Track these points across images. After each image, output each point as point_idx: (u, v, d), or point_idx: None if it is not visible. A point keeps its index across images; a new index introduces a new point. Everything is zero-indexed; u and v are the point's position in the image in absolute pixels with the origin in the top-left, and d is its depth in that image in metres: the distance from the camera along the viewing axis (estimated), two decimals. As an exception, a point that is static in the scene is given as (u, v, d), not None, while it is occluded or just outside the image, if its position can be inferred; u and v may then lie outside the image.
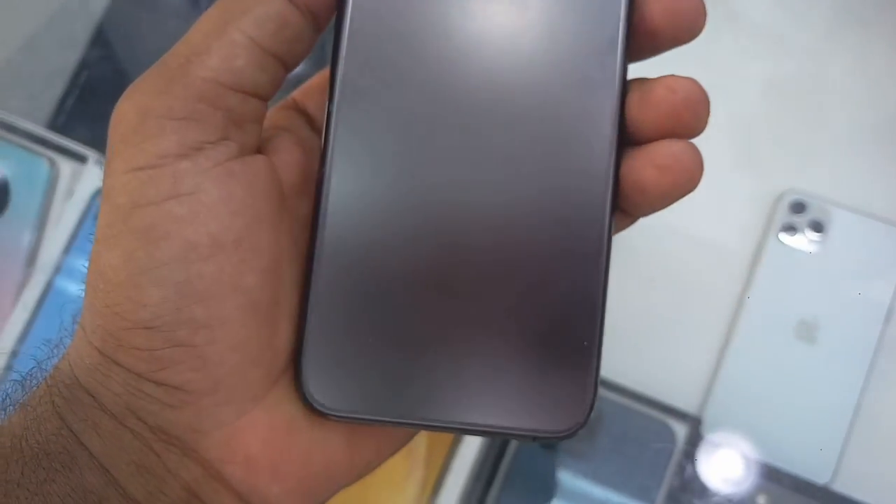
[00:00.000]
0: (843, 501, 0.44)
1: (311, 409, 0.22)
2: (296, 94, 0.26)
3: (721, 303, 0.48)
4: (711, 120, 0.22)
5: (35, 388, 0.22)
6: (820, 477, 0.44)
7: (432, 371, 0.22)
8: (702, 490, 0.44)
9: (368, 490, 0.44)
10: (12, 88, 0.58)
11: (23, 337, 0.49)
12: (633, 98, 0.22)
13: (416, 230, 0.22)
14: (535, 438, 0.22)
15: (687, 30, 0.22)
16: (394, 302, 0.22)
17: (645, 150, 0.22)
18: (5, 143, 0.52)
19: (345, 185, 0.22)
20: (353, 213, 0.22)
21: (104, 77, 0.58)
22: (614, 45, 0.22)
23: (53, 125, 0.56)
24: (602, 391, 0.42)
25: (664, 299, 0.48)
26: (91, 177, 0.51)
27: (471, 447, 0.45)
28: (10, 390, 0.23)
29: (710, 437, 0.45)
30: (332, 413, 0.22)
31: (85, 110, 0.57)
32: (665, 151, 0.22)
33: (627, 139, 0.23)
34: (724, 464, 0.45)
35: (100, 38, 0.59)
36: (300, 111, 0.26)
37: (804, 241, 0.47)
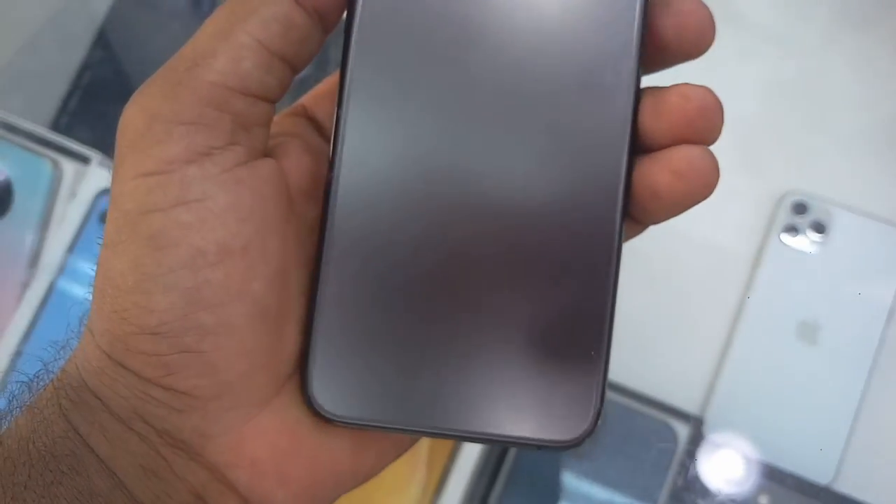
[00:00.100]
0: (845, 502, 0.44)
1: (317, 415, 0.22)
2: (304, 100, 0.26)
3: (723, 303, 0.48)
4: (713, 120, 0.22)
5: (42, 390, 0.22)
6: (822, 477, 0.44)
7: (438, 378, 0.22)
8: (704, 490, 0.44)
9: (371, 492, 0.44)
10: (15, 89, 0.58)
11: (26, 338, 0.49)
12: (647, 106, 0.22)
13: (423, 237, 0.22)
14: (539, 447, 0.22)
15: (695, 46, 0.22)
16: (400, 309, 0.22)
17: (660, 155, 0.22)
18: (8, 143, 0.52)
19: (352, 191, 0.22)
20: (360, 219, 0.22)
21: (107, 78, 0.58)
22: (628, 51, 0.22)
23: (56, 126, 0.56)
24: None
25: (666, 300, 0.48)
26: (94, 178, 0.51)
27: (473, 448, 0.45)
28: (16, 392, 0.23)
29: (712, 437, 0.45)
30: (338, 419, 0.22)
31: (88, 111, 0.57)
32: (681, 156, 0.22)
33: (640, 147, 0.22)
34: (725, 464, 0.45)
35: (102, 39, 0.59)
36: (309, 118, 0.25)
37: (806, 241, 0.47)
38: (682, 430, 0.45)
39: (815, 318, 0.46)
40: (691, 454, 0.45)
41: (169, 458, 0.21)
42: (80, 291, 0.49)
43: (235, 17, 0.21)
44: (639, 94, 0.22)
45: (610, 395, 0.45)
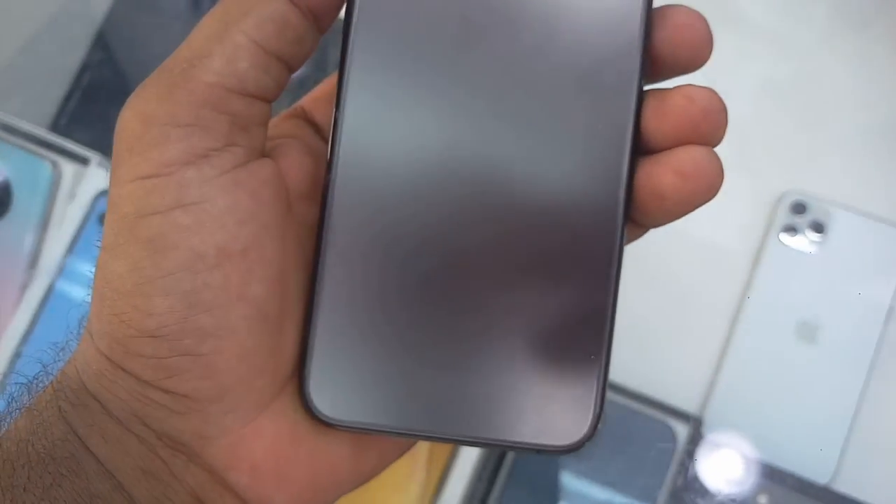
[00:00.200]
0: (844, 501, 0.44)
1: (315, 418, 0.22)
2: (303, 102, 0.26)
3: (722, 303, 0.48)
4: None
5: (41, 392, 0.22)
6: (821, 477, 0.44)
7: (437, 382, 0.22)
8: (703, 490, 0.44)
9: (371, 492, 0.44)
10: (14, 90, 0.58)
11: (25, 339, 0.49)
12: (650, 107, 0.22)
13: (422, 240, 0.22)
14: (539, 451, 0.22)
15: (691, 61, 0.22)
16: (399, 312, 0.22)
17: (664, 156, 0.22)
18: (7, 145, 0.52)
19: (350, 194, 0.22)
20: (358, 221, 0.22)
21: (106, 79, 0.58)
22: (631, 51, 0.22)
23: (55, 127, 0.56)
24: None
25: (665, 300, 0.48)
26: (93, 179, 0.51)
27: (473, 448, 0.45)
28: (15, 394, 0.23)
29: (711, 437, 0.45)
30: (335, 423, 0.22)
31: (87, 112, 0.57)
32: (686, 157, 0.21)
33: (643, 149, 0.22)
34: (725, 464, 0.45)
35: (101, 40, 0.59)
36: (308, 120, 0.25)
37: (805, 241, 0.47)
38: (682, 430, 0.45)
39: (814, 317, 0.46)
40: (690, 454, 0.45)
41: (168, 461, 0.21)
42: (80, 293, 0.49)
43: (230, 18, 0.21)
44: (641, 95, 0.22)
45: (609, 394, 0.45)
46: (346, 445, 0.23)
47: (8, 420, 0.22)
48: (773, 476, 0.44)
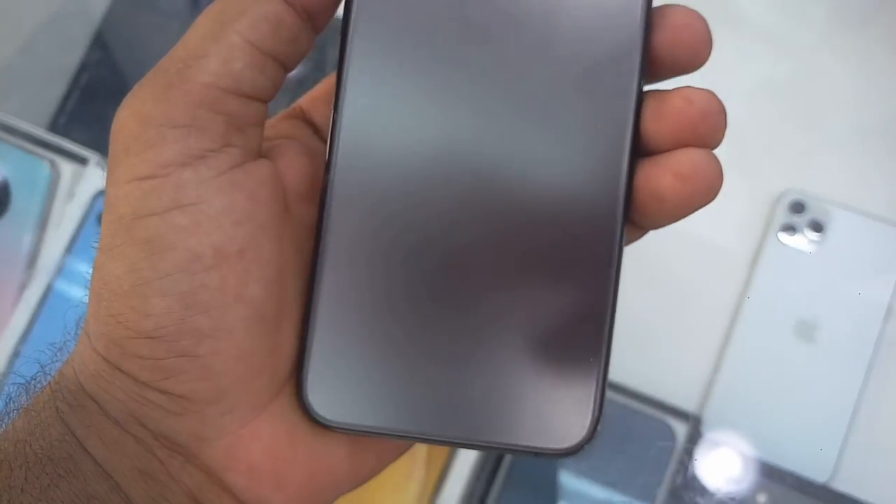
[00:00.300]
0: (843, 499, 0.44)
1: (312, 420, 0.22)
2: (301, 102, 0.26)
3: (721, 302, 0.48)
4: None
5: (38, 392, 0.22)
6: (820, 475, 0.44)
7: (435, 385, 0.22)
8: (702, 489, 0.44)
9: (370, 491, 0.44)
10: (13, 90, 0.58)
11: (23, 339, 0.49)
12: (649, 109, 0.22)
13: (420, 242, 0.22)
14: (537, 454, 0.22)
15: (690, 60, 0.22)
16: (397, 314, 0.22)
17: (663, 158, 0.22)
18: (6, 144, 0.52)
19: (349, 195, 0.22)
20: (357, 223, 0.22)
21: (104, 79, 0.58)
22: (630, 53, 0.22)
23: (54, 127, 0.56)
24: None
25: (664, 299, 0.48)
26: (92, 179, 0.51)
27: (471, 447, 0.45)
28: (13, 394, 0.23)
29: (710, 435, 0.45)
30: (333, 425, 0.22)
31: (85, 112, 0.57)
32: (685, 159, 0.21)
33: (641, 150, 0.22)
34: (724, 462, 0.45)
35: (100, 40, 0.58)
36: (306, 120, 0.25)
37: (804, 240, 0.47)
38: (681, 429, 0.45)
39: (812, 316, 0.46)
40: (689, 453, 0.45)
41: (165, 461, 0.21)
42: (78, 293, 0.49)
43: (225, 18, 0.21)
44: (641, 96, 0.22)
45: (608, 393, 0.45)
46: (344, 447, 0.23)
47: (6, 420, 0.22)
48: (771, 474, 0.44)
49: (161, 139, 0.20)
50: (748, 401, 0.46)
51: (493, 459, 0.45)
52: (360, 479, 0.24)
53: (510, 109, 0.22)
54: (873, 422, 0.45)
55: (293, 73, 0.23)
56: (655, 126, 0.22)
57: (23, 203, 0.51)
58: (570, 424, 0.22)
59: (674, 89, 0.22)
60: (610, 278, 0.22)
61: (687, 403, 0.46)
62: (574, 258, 0.22)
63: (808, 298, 0.47)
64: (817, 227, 0.47)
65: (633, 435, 0.45)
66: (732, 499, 0.44)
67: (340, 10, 0.23)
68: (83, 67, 0.58)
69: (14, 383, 0.23)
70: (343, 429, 0.22)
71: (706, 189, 0.21)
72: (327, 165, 0.22)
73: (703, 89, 0.21)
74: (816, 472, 0.44)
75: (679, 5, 0.22)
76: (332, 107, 0.22)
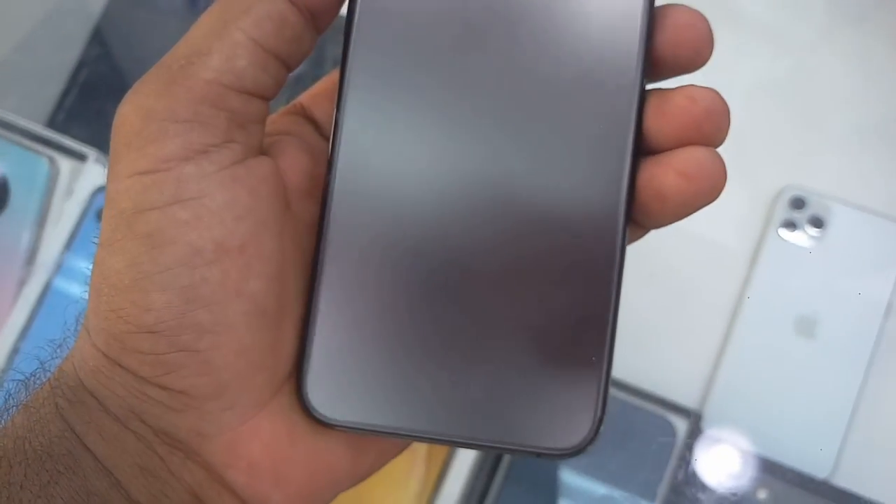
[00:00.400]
0: (843, 495, 0.44)
1: (312, 418, 0.22)
2: (303, 98, 0.26)
3: (721, 298, 0.48)
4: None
5: (38, 388, 0.22)
6: (820, 471, 0.44)
7: (436, 384, 0.22)
8: (702, 485, 0.44)
9: (370, 488, 0.44)
10: (11, 87, 0.58)
11: (23, 336, 0.49)
12: (652, 107, 0.22)
13: (422, 241, 0.22)
14: (538, 455, 0.22)
15: (692, 60, 0.22)
16: (398, 313, 0.22)
17: (666, 157, 0.21)
18: (4, 141, 0.52)
19: (351, 194, 0.22)
20: (358, 222, 0.22)
21: (103, 75, 0.58)
22: (632, 51, 0.22)
23: (52, 123, 0.56)
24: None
25: (664, 295, 0.48)
26: (91, 175, 0.51)
27: (471, 444, 0.45)
28: (13, 390, 0.23)
29: (711, 432, 0.45)
30: (333, 423, 0.22)
31: (84, 109, 0.57)
32: (688, 157, 0.21)
33: (644, 150, 0.22)
34: (724, 459, 0.45)
35: (98, 37, 0.58)
36: (307, 117, 0.25)
37: (804, 236, 0.47)
38: (681, 425, 0.45)
39: (813, 312, 0.46)
40: (690, 449, 0.45)
41: (166, 458, 0.21)
42: (77, 289, 0.49)
43: (229, 15, 0.21)
44: (643, 95, 0.22)
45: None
46: (344, 444, 0.23)
47: (5, 417, 0.22)
48: (772, 470, 0.44)
49: (163, 134, 0.20)
50: (749, 397, 0.46)
51: (494, 456, 0.45)
52: (359, 477, 0.24)
53: (513, 109, 0.22)
54: (874, 417, 0.45)
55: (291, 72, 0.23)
56: (658, 125, 0.22)
57: (22, 199, 0.51)
58: (573, 425, 0.22)
59: (677, 88, 0.22)
60: (612, 278, 0.22)
61: (687, 400, 0.46)
62: (576, 257, 0.22)
63: (809, 295, 0.47)
64: (818, 223, 0.47)
65: (633, 431, 0.45)
66: (734, 494, 0.44)
67: (343, 10, 0.23)
68: (82, 64, 0.58)
69: (13, 380, 0.23)
70: (343, 427, 0.22)
71: (710, 188, 0.21)
72: (329, 163, 0.22)
73: (706, 88, 0.21)
74: (817, 467, 0.44)
75: (681, 5, 0.22)
76: (335, 106, 0.22)
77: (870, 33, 0.51)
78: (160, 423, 0.21)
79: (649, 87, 0.22)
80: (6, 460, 0.20)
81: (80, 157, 0.51)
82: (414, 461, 0.44)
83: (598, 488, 0.45)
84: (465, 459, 0.44)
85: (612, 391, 0.46)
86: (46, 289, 0.49)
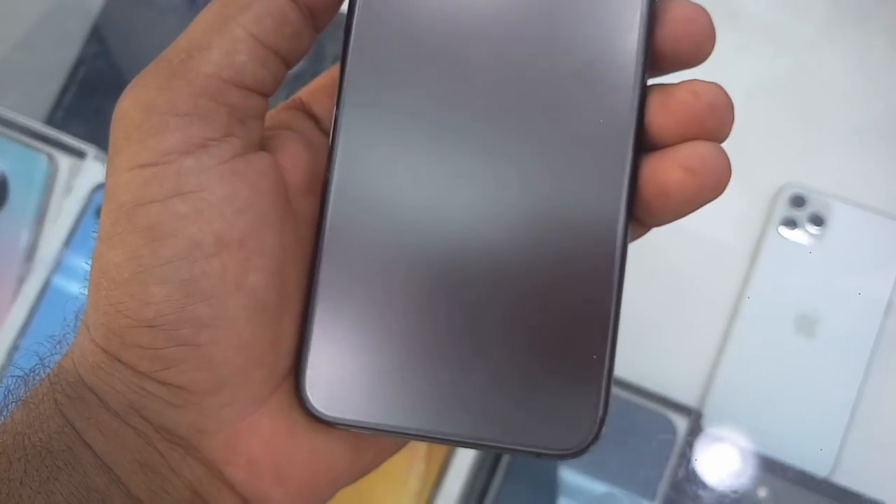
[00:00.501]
0: (844, 493, 0.44)
1: (310, 416, 0.22)
2: (301, 93, 0.26)
3: (721, 296, 0.48)
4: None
5: (37, 384, 0.22)
6: (820, 469, 0.44)
7: (435, 382, 0.21)
8: (703, 483, 0.44)
9: (370, 485, 0.44)
10: (10, 84, 0.58)
11: (22, 332, 0.49)
12: (654, 102, 0.21)
13: (422, 237, 0.22)
14: (539, 455, 0.21)
15: (693, 55, 0.21)
16: (398, 310, 0.22)
17: (670, 151, 0.21)
18: (4, 138, 0.52)
19: (351, 191, 0.22)
20: (358, 219, 0.22)
21: (102, 72, 0.58)
22: (633, 47, 0.21)
23: (51, 121, 0.56)
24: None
25: (664, 293, 0.48)
26: (90, 172, 0.51)
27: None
28: (12, 386, 0.22)
29: (711, 430, 0.45)
30: (331, 421, 0.22)
31: (83, 106, 0.57)
32: (692, 152, 0.21)
33: (646, 145, 0.22)
34: (724, 457, 0.45)
35: (97, 34, 0.58)
36: (306, 111, 0.25)
37: (804, 234, 0.47)
38: (681, 423, 0.45)
39: (813, 310, 0.46)
40: (690, 447, 0.45)
41: (165, 454, 0.21)
42: (77, 287, 0.49)
43: (229, 11, 0.21)
44: (645, 90, 0.22)
45: (608, 388, 0.45)
46: (344, 441, 0.23)
47: (4, 413, 0.22)
48: (772, 468, 0.44)
49: (164, 127, 0.20)
50: (749, 395, 0.46)
51: (494, 455, 0.45)
52: (359, 474, 0.23)
53: (513, 103, 0.22)
54: (874, 415, 0.45)
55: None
56: (661, 120, 0.21)
57: (21, 197, 0.51)
58: (574, 425, 0.21)
59: (680, 83, 0.21)
60: (614, 276, 0.21)
61: (687, 398, 0.46)
62: (577, 255, 0.21)
63: (809, 293, 0.47)
64: (818, 221, 0.47)
65: (633, 429, 0.45)
66: (734, 492, 0.44)
67: (343, 7, 0.23)
68: (80, 61, 0.58)
69: (13, 376, 0.23)
70: (341, 425, 0.22)
71: (715, 183, 0.21)
72: (329, 160, 0.22)
73: (709, 82, 0.21)
74: (817, 465, 0.44)
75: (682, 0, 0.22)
76: (334, 103, 0.22)
77: (870, 31, 0.51)
78: (160, 418, 0.21)
79: (651, 82, 0.22)
80: (5, 456, 0.20)
81: (79, 155, 0.51)
82: (414, 459, 0.44)
83: (599, 486, 0.45)
84: (466, 457, 0.44)
85: (613, 389, 0.46)
86: (46, 286, 0.49)
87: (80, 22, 0.58)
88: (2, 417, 0.21)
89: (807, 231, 0.47)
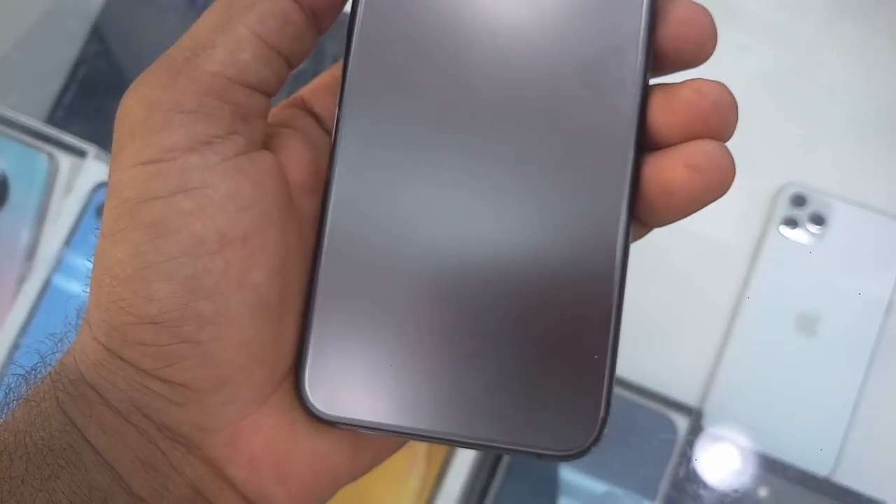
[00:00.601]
0: (844, 493, 0.44)
1: (310, 415, 0.22)
2: (303, 91, 0.26)
3: (722, 296, 0.48)
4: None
5: (39, 382, 0.22)
6: (821, 468, 0.44)
7: (436, 382, 0.21)
8: (703, 482, 0.44)
9: (371, 484, 0.44)
10: (11, 83, 0.58)
11: (23, 331, 0.49)
12: (657, 101, 0.21)
13: (423, 237, 0.22)
14: (539, 457, 0.21)
15: (695, 55, 0.21)
16: (399, 310, 0.22)
17: (674, 150, 0.21)
18: (4, 137, 0.52)
19: (352, 190, 0.22)
20: (360, 219, 0.22)
21: (102, 72, 0.58)
22: (635, 46, 0.21)
23: (52, 120, 0.56)
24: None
25: (665, 293, 0.48)
26: (90, 171, 0.51)
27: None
28: (13, 385, 0.22)
29: (712, 429, 0.45)
30: (332, 420, 0.22)
31: (83, 105, 0.57)
32: (697, 151, 0.21)
33: (649, 145, 0.22)
34: (725, 456, 0.45)
35: (97, 33, 0.58)
36: (307, 110, 0.25)
37: (805, 234, 0.47)
38: (682, 423, 0.45)
39: (814, 310, 0.46)
40: (691, 446, 0.45)
41: (167, 452, 0.21)
42: (77, 285, 0.49)
43: (233, 10, 0.21)
44: (647, 90, 0.21)
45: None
46: (345, 441, 0.23)
47: (6, 411, 0.22)
48: (773, 468, 0.44)
49: (168, 123, 0.20)
50: (749, 394, 0.46)
51: (494, 455, 0.45)
52: (359, 472, 0.23)
53: (515, 103, 0.22)
54: (875, 415, 0.45)
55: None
56: (665, 119, 0.21)
57: (21, 196, 0.51)
58: (576, 426, 0.21)
59: (683, 82, 0.21)
60: (615, 277, 0.21)
61: (688, 397, 0.46)
62: (580, 256, 0.21)
63: (809, 292, 0.47)
64: (818, 220, 0.47)
65: (634, 429, 0.45)
66: (735, 492, 0.44)
67: (347, 7, 0.23)
68: (81, 61, 0.58)
69: (14, 374, 0.23)
70: (342, 425, 0.22)
71: (720, 181, 0.21)
72: (331, 159, 0.22)
73: (713, 81, 0.21)
74: (818, 465, 0.44)
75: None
76: (337, 102, 0.22)
77: (870, 29, 0.51)
78: (162, 416, 0.21)
79: (653, 81, 0.22)
80: (7, 454, 0.20)
81: (80, 154, 0.51)
82: (414, 458, 0.44)
83: (599, 486, 0.45)
84: (466, 457, 0.44)
85: (614, 389, 0.46)
86: (46, 285, 0.49)
87: (81, 21, 0.58)
88: (3, 415, 0.21)
89: (807, 230, 0.47)
